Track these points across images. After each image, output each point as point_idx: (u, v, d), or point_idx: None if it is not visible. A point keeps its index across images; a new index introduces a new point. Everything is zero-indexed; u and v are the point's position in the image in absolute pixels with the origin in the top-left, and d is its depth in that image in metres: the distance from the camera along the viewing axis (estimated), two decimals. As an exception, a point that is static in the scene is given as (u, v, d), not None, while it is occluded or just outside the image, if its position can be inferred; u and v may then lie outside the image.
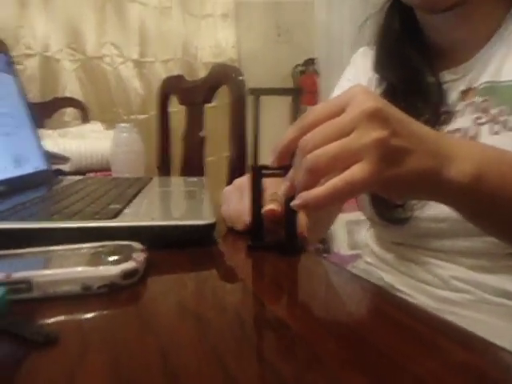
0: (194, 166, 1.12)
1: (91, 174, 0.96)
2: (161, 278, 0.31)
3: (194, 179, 0.69)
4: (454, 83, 0.54)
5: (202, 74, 2.25)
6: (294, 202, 0.30)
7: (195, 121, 1.10)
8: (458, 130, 0.51)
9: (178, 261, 0.35)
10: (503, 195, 0.33)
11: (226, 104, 0.96)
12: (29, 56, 1.86)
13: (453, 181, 0.31)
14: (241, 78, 0.91)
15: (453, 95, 0.53)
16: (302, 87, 2.43)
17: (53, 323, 0.24)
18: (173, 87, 1.18)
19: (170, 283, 0.31)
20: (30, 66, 1.86)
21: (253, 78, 2.48)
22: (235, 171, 0.96)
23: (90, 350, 0.21)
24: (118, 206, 0.42)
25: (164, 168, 1.27)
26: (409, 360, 0.20)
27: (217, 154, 2.08)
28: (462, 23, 0.52)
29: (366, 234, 0.68)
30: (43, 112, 1.66)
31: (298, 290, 0.31)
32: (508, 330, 0.48)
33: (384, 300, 0.29)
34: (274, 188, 0.36)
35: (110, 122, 1.98)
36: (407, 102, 0.53)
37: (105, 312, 0.26)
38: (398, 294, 0.58)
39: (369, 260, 0.67)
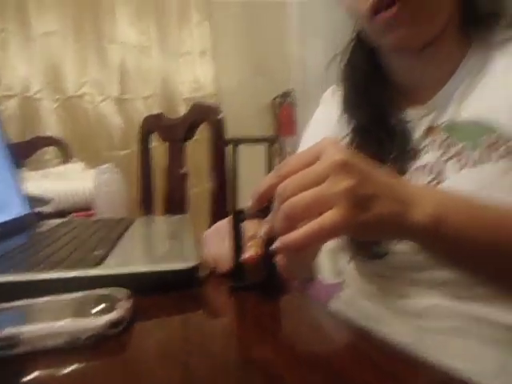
0: (176, 201, 1.14)
1: (74, 215, 0.96)
2: (146, 324, 0.32)
3: (177, 218, 0.71)
4: (419, 121, 0.57)
5: (182, 109, 2.30)
6: (274, 246, 0.32)
7: (177, 157, 1.12)
8: (425, 165, 0.54)
9: (163, 305, 0.35)
10: (464, 236, 0.36)
11: (207, 137, 0.99)
12: (9, 97, 1.87)
13: (415, 223, 0.33)
14: (220, 116, 0.94)
15: (417, 132, 0.57)
16: (281, 119, 2.50)
17: (41, 378, 0.25)
18: (153, 125, 1.21)
19: (155, 330, 0.32)
20: (9, 107, 1.87)
21: (232, 112, 2.56)
22: (217, 203, 0.98)
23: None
24: (101, 252, 0.43)
25: (146, 204, 1.27)
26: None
27: (200, 185, 2.10)
28: (425, 64, 0.56)
29: (347, 267, 0.69)
30: (24, 151, 1.65)
31: (279, 330, 0.32)
32: (489, 355, 0.50)
33: (360, 338, 0.30)
34: (254, 230, 0.38)
35: (91, 160, 1.99)
36: (375, 140, 0.57)
37: (92, 363, 0.27)
38: (381, 324, 0.59)
39: (352, 291, 0.68)
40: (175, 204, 1.14)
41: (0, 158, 0.69)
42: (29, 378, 0.25)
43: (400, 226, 0.33)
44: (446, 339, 0.53)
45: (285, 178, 0.33)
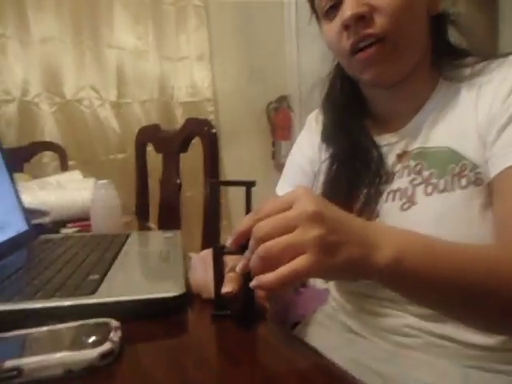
0: (171, 210, 1.17)
1: (70, 225, 0.99)
2: (134, 352, 0.36)
3: (170, 234, 0.74)
4: (392, 147, 0.61)
5: (179, 113, 2.33)
6: (252, 284, 0.36)
7: (171, 168, 1.16)
8: (398, 189, 0.58)
9: (151, 333, 0.39)
10: (420, 277, 0.39)
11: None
12: (7, 101, 1.90)
13: (377, 264, 0.37)
14: (213, 131, 0.98)
15: (390, 158, 0.61)
16: (276, 124, 2.54)
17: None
18: (149, 136, 1.24)
19: (143, 358, 0.36)
20: (8, 111, 1.90)
21: (228, 116, 2.58)
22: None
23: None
24: (96, 278, 0.47)
25: (142, 212, 1.31)
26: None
27: (194, 189, 2.13)
28: (399, 97, 0.61)
29: (328, 283, 0.73)
30: (22, 156, 1.69)
31: (251, 359, 0.36)
32: (454, 369, 0.54)
33: (319, 369, 0.34)
34: (234, 262, 0.42)
35: (88, 163, 2.02)
36: (352, 166, 0.61)
37: (85, 392, 0.31)
38: (360, 338, 0.64)
39: (334, 305, 0.72)
40: (169, 213, 1.17)
41: (1, 178, 0.72)
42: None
43: (364, 268, 0.37)
44: (417, 355, 0.57)
45: (261, 220, 0.37)
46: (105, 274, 0.49)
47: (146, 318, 0.40)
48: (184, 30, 2.34)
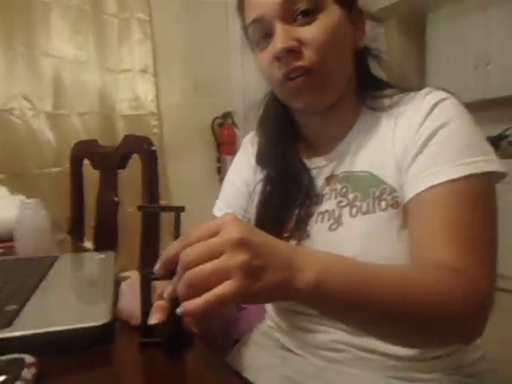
0: (108, 228, 1.13)
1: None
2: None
3: (102, 256, 0.71)
4: (321, 170, 0.65)
5: (121, 126, 2.27)
6: (178, 310, 0.36)
7: (109, 185, 1.12)
8: (326, 211, 0.61)
9: (70, 367, 0.37)
10: (346, 297, 0.41)
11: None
12: None
13: (299, 287, 0.38)
14: (152, 148, 0.96)
15: (320, 181, 0.64)
16: (221, 140, 2.56)
17: None
18: (86, 151, 1.19)
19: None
20: None
21: (173, 131, 2.55)
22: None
23: None
24: (14, 308, 0.44)
25: (77, 229, 1.25)
26: None
27: (136, 203, 2.06)
28: (326, 123, 0.64)
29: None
30: None
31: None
32: (376, 380, 0.57)
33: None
34: (162, 287, 0.42)
35: (20, 177, 1.89)
36: (284, 188, 0.63)
37: None
38: (294, 355, 0.65)
39: (270, 323, 0.74)
40: (106, 231, 1.13)
41: None
42: None
43: (288, 291, 0.38)
44: (345, 369, 0.59)
45: (188, 246, 0.37)
46: (24, 304, 0.46)
47: (69, 351, 0.38)
48: (127, 42, 2.29)
